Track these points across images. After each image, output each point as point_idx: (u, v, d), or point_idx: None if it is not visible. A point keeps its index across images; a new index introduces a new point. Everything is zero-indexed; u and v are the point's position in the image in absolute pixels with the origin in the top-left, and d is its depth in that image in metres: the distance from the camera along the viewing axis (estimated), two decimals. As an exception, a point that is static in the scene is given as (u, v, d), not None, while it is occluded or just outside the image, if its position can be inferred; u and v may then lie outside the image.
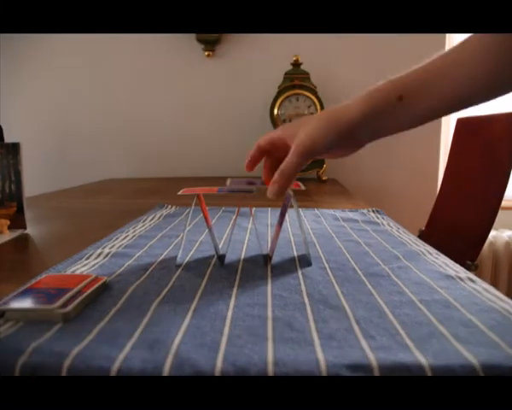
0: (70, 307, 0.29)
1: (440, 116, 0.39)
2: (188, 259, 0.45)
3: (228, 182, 0.44)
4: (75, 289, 0.32)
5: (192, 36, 1.48)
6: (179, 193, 0.43)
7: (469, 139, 1.20)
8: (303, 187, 0.41)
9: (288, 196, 0.42)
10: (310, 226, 0.62)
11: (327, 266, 0.43)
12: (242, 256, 0.46)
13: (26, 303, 0.30)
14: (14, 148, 0.60)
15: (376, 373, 0.23)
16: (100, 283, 0.35)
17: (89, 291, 0.33)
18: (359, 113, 0.36)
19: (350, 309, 0.31)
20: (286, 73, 1.34)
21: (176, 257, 0.44)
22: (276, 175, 0.37)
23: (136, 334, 0.27)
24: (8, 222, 0.60)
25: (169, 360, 0.24)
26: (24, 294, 0.32)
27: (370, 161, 1.53)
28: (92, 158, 1.62)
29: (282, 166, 0.37)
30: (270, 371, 0.23)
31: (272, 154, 0.42)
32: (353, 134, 0.37)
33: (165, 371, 0.23)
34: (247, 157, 0.42)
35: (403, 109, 0.36)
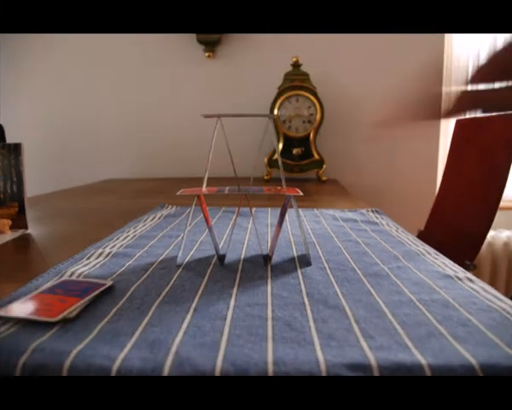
0: (71, 309, 0.30)
1: None
2: (188, 259, 0.45)
3: (226, 190, 0.44)
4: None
5: (192, 37, 1.48)
6: (178, 193, 0.43)
7: (468, 140, 1.20)
8: (301, 193, 0.42)
9: (288, 197, 0.43)
10: (309, 226, 0.62)
11: (326, 265, 0.43)
12: (242, 256, 0.46)
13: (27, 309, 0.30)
14: (16, 148, 0.60)
15: (376, 373, 0.23)
16: (104, 287, 0.35)
17: (92, 295, 0.33)
18: None
19: (349, 309, 0.31)
20: (286, 74, 1.34)
21: (176, 257, 0.45)
22: None
23: (137, 333, 0.27)
24: (10, 222, 0.61)
25: (169, 359, 0.24)
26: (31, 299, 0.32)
27: (370, 161, 1.54)
28: (93, 158, 1.62)
29: None
30: (270, 370, 0.23)
31: None
32: None
33: (165, 371, 0.23)
34: None
35: None
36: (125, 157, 1.61)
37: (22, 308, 0.30)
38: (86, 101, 1.59)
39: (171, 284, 0.37)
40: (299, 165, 1.34)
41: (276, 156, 1.35)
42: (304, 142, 1.33)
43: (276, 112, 1.32)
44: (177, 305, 0.32)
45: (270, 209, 0.75)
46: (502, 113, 1.04)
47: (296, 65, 1.34)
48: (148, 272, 0.41)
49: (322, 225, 0.63)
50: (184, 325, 0.28)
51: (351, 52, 1.48)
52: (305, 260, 0.44)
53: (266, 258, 0.44)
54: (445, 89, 1.48)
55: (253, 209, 0.75)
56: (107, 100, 1.58)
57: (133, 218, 0.69)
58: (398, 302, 0.33)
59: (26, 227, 0.62)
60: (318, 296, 0.34)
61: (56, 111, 1.61)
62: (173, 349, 0.25)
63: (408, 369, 0.23)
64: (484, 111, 1.43)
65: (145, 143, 1.59)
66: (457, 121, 1.28)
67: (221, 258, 0.44)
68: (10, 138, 1.46)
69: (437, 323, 0.29)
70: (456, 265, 0.43)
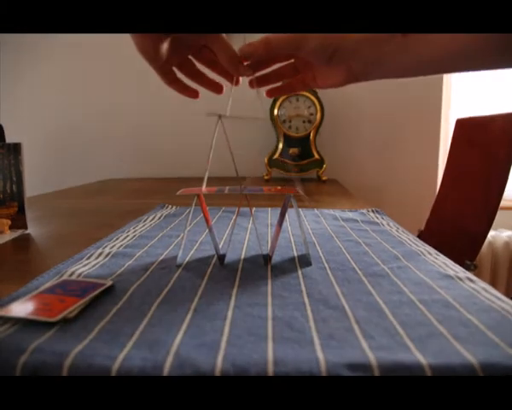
0: (71, 309, 0.30)
1: (442, 68, 0.38)
2: (188, 259, 0.45)
3: (226, 190, 0.44)
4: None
5: (192, 36, 1.48)
6: (178, 193, 0.43)
7: (469, 140, 1.20)
8: (301, 192, 0.42)
9: (288, 196, 0.43)
10: (310, 226, 0.62)
11: (327, 266, 0.43)
12: (242, 256, 0.46)
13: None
14: (16, 148, 0.60)
15: (376, 373, 0.23)
16: (104, 287, 0.35)
17: (92, 295, 0.33)
18: (355, 34, 0.36)
19: (350, 309, 0.31)
20: (286, 74, 1.34)
21: (176, 257, 0.45)
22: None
23: (137, 333, 0.27)
24: (10, 222, 0.61)
25: (169, 359, 0.24)
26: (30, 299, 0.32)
27: (370, 161, 1.54)
28: (93, 158, 1.62)
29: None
30: (270, 370, 0.23)
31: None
32: (343, 49, 0.37)
33: (165, 371, 0.23)
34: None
35: (404, 46, 0.36)
36: (124, 157, 1.61)
37: (22, 308, 0.30)
38: (86, 100, 1.59)
39: (171, 284, 0.37)
40: (299, 165, 1.34)
41: (276, 156, 1.35)
42: (304, 141, 1.33)
43: (276, 112, 1.32)
44: (177, 305, 0.32)
45: (270, 209, 0.75)
46: (503, 112, 1.04)
47: (296, 65, 1.34)
48: (148, 272, 0.41)
49: (323, 225, 0.63)
50: (184, 325, 0.28)
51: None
52: (305, 260, 0.44)
53: (266, 258, 0.44)
54: (445, 88, 1.47)
55: (253, 209, 0.75)
56: (108, 100, 1.58)
57: (133, 218, 0.69)
58: (399, 302, 0.33)
59: (25, 227, 0.62)
60: (318, 296, 0.34)
61: (56, 111, 1.61)
62: (173, 349, 0.25)
63: (408, 369, 0.23)
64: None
65: (145, 143, 1.59)
66: (458, 121, 1.28)
67: (221, 258, 0.44)
68: (10, 138, 1.46)
69: (437, 323, 0.29)
70: (457, 265, 0.43)
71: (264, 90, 0.48)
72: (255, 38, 0.41)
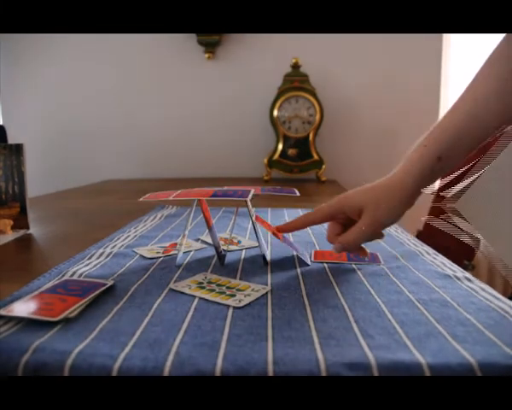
0: (72, 309, 0.30)
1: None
2: (188, 259, 0.46)
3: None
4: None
5: (193, 38, 1.48)
6: (141, 199, 0.43)
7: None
8: (297, 193, 0.43)
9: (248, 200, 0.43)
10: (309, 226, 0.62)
11: (326, 265, 0.43)
12: (242, 256, 0.47)
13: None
14: (18, 149, 0.60)
15: (375, 372, 0.23)
16: (105, 287, 0.35)
17: (93, 295, 0.33)
18: (415, 185, 0.41)
19: (349, 308, 0.32)
20: (286, 75, 1.35)
21: (176, 257, 0.45)
22: (345, 243, 0.42)
23: (138, 333, 0.27)
24: (12, 222, 0.61)
25: (170, 359, 0.24)
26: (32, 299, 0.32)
27: (369, 162, 1.54)
28: (94, 159, 1.62)
29: (352, 236, 0.41)
30: (270, 370, 0.23)
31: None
32: (411, 203, 0.42)
33: (166, 370, 0.23)
34: (288, 223, 0.47)
35: (441, 168, 0.41)
36: (125, 158, 1.61)
37: (24, 308, 0.30)
38: (88, 102, 1.60)
39: (171, 283, 0.37)
40: (298, 165, 1.34)
41: (275, 157, 1.35)
42: (303, 142, 1.33)
43: (275, 113, 1.32)
44: (177, 305, 0.32)
45: (269, 210, 0.76)
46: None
47: (296, 66, 1.34)
48: (149, 272, 0.41)
49: (322, 225, 0.63)
50: (185, 325, 0.29)
51: (349, 53, 1.48)
52: (304, 260, 0.45)
53: (266, 258, 0.44)
54: (443, 90, 1.48)
55: (253, 210, 0.75)
56: (109, 101, 1.58)
57: (134, 218, 0.69)
58: (397, 302, 0.33)
59: (27, 227, 0.62)
60: (318, 296, 0.34)
61: (57, 112, 1.61)
62: (174, 349, 0.25)
63: (407, 368, 0.23)
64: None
65: (146, 144, 1.59)
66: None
67: (221, 258, 0.44)
68: (12, 139, 1.46)
69: (436, 322, 0.29)
70: (455, 264, 0.43)
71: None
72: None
